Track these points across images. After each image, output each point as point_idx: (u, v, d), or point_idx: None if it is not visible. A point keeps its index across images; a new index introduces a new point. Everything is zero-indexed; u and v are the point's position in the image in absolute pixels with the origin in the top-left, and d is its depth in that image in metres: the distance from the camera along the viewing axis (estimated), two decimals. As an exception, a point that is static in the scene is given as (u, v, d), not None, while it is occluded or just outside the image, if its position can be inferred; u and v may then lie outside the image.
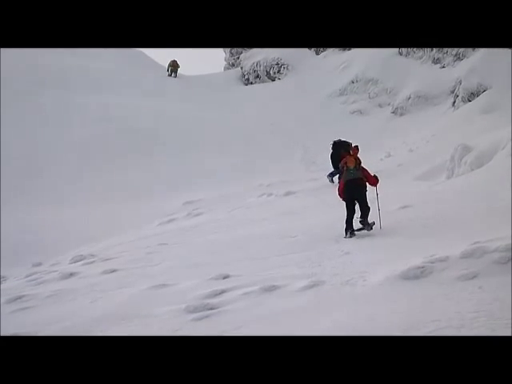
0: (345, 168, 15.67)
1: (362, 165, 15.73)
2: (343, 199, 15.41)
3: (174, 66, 52.52)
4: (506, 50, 33.11)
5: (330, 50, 51.24)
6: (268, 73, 51.92)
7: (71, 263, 16.16)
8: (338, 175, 20.33)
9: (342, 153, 23.42)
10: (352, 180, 15.29)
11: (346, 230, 14.85)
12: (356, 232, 14.83)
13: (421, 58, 41.25)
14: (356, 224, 15.04)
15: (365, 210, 15.14)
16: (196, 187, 28.36)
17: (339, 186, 15.72)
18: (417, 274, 9.30)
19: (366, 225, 15.02)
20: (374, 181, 15.53)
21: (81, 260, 16.16)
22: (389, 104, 40.03)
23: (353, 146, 22.36)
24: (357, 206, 15.23)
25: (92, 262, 15.58)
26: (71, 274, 13.95)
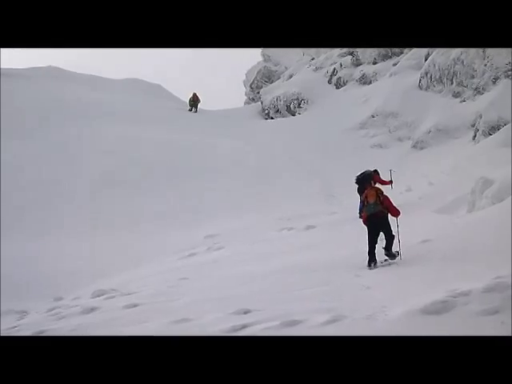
0: (365, 203, 15.91)
1: (385, 193, 15.92)
2: (367, 227, 15.70)
3: (194, 101, 52.63)
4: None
5: (350, 84, 51.43)
6: (288, 107, 52.11)
7: (92, 298, 16.19)
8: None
9: (366, 185, 23.59)
10: (373, 214, 15.57)
11: (369, 261, 15.09)
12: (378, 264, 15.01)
13: (440, 91, 41.18)
14: (380, 254, 15.25)
15: (389, 239, 15.39)
16: (216, 220, 28.38)
17: (363, 218, 16.02)
18: (438, 309, 9.25)
19: (391, 255, 15.27)
20: (396, 212, 15.76)
21: (102, 294, 16.18)
22: (409, 138, 39.94)
23: (372, 171, 22.55)
24: (381, 235, 15.52)
25: (113, 297, 15.60)
26: (92, 309, 13.95)
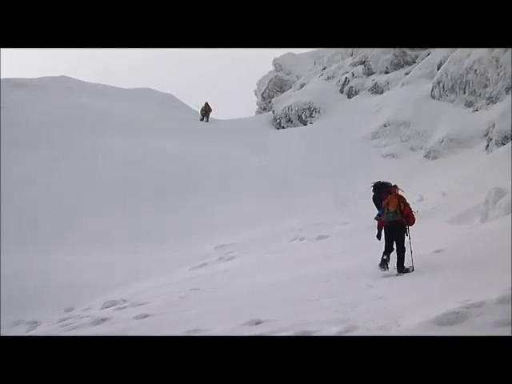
0: (385, 210, 16.00)
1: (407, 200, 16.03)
2: (379, 234, 15.92)
3: (206, 110, 52.75)
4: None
5: (361, 94, 51.40)
6: (300, 117, 52.12)
7: (103, 308, 16.19)
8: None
9: (384, 195, 23.59)
10: (391, 222, 15.73)
11: (381, 264, 15.32)
12: (390, 275, 15.08)
13: (453, 101, 41.08)
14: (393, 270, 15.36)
15: (400, 253, 15.46)
16: (228, 230, 28.39)
17: (379, 223, 16.15)
18: (451, 320, 9.17)
19: (405, 272, 15.26)
20: (413, 221, 15.91)
21: (113, 305, 16.18)
22: (421, 147, 39.84)
23: (392, 185, 22.49)
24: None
25: (124, 308, 15.59)
26: (103, 320, 13.96)
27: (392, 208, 15.85)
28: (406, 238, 15.69)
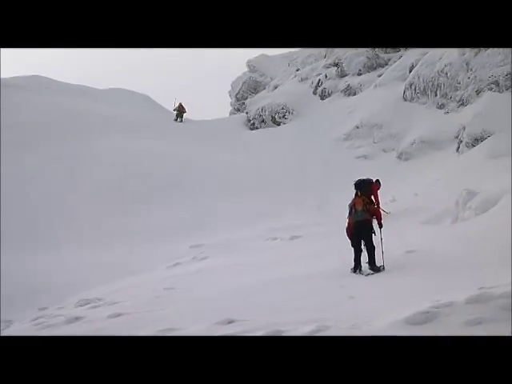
0: (353, 210, 16.27)
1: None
2: (350, 239, 16.11)
3: (179, 111, 52.77)
4: (509, 95, 33.40)
5: (334, 95, 51.69)
6: (273, 118, 52.25)
7: (77, 307, 16.12)
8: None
9: (365, 191, 23.83)
10: (359, 221, 16.04)
11: (354, 267, 15.64)
12: (362, 275, 15.35)
13: (425, 103, 41.46)
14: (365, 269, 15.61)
15: (371, 251, 15.76)
16: (202, 231, 28.42)
17: (348, 224, 16.37)
18: (421, 320, 9.27)
19: (376, 270, 15.49)
20: (380, 218, 16.51)
21: (86, 304, 16.10)
22: (393, 149, 40.15)
23: (374, 181, 22.87)
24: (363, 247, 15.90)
25: (98, 306, 15.54)
26: (76, 318, 13.85)
27: (359, 208, 16.23)
28: (377, 238, 15.91)
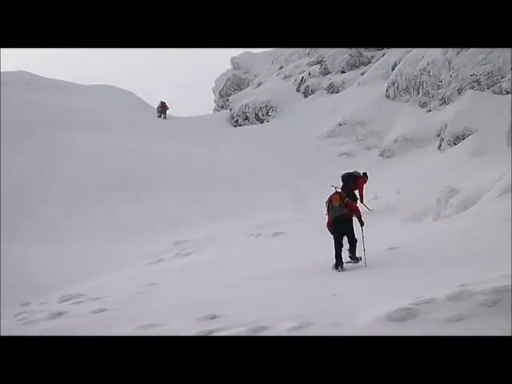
0: (331, 207, 16.29)
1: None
2: (332, 233, 16.14)
3: (162, 108, 52.76)
4: (491, 94, 33.63)
5: (318, 93, 51.65)
6: (257, 115, 52.19)
7: (60, 302, 16.06)
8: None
9: (352, 185, 24.06)
10: (338, 217, 16.08)
11: (336, 264, 15.63)
12: (345, 271, 15.39)
13: (407, 101, 41.55)
14: (345, 257, 15.84)
15: (353, 242, 15.99)
16: (185, 227, 28.37)
17: (327, 221, 16.38)
18: (403, 316, 9.35)
19: (355, 259, 15.85)
20: (359, 212, 16.66)
21: (69, 299, 16.03)
22: (376, 147, 40.21)
23: (361, 174, 23.02)
24: (345, 239, 16.03)
25: (81, 302, 15.47)
26: (59, 314, 13.84)
27: (336, 203, 16.25)
28: (359, 235, 16.01)
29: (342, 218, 16.06)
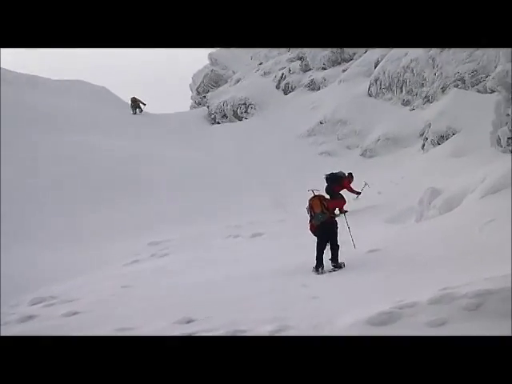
0: (312, 214, 16.08)
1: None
2: (315, 235, 15.97)
3: (134, 103, 52.52)
4: (476, 93, 33.61)
5: (298, 90, 51.50)
6: (235, 112, 51.93)
7: (31, 305, 15.75)
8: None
9: (336, 186, 23.87)
10: (323, 223, 15.82)
11: (316, 266, 15.41)
12: (325, 274, 15.21)
13: (390, 99, 41.43)
14: (327, 265, 15.58)
15: (335, 249, 15.63)
16: (161, 227, 28.08)
17: (310, 227, 16.16)
18: (384, 320, 9.19)
19: (338, 267, 15.47)
20: (343, 204, 16.39)
21: (40, 302, 15.74)
22: (357, 146, 40.07)
23: (346, 175, 22.81)
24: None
25: (52, 305, 15.21)
26: (30, 317, 13.61)
27: (317, 210, 15.98)
28: (347, 239, 15.91)
29: (326, 223, 15.84)
